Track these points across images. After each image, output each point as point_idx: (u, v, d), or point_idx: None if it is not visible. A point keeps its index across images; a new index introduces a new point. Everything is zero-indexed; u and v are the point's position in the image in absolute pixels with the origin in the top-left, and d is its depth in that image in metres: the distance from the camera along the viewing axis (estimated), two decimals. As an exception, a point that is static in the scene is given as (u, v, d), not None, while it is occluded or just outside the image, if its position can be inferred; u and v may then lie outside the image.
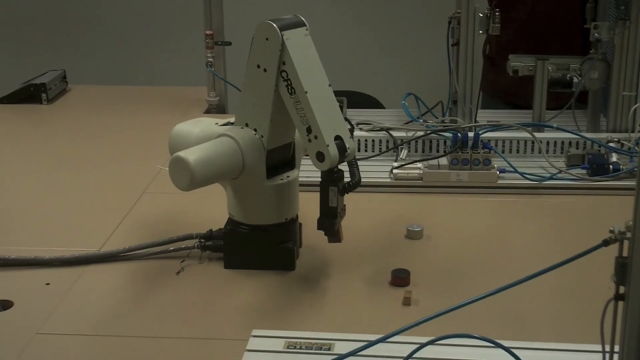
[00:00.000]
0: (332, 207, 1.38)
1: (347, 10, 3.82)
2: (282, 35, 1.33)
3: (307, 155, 1.60)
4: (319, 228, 1.40)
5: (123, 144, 2.19)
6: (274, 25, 1.35)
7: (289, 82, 1.35)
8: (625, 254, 1.02)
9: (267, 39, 1.36)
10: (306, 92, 1.34)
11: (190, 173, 1.32)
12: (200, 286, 1.41)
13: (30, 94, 2.52)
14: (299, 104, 1.34)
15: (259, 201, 1.44)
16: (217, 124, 1.48)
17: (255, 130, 1.40)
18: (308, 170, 1.79)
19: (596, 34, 1.99)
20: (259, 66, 1.38)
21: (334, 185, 1.36)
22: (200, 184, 1.35)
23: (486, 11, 2.00)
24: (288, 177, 1.45)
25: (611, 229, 1.04)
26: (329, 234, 1.41)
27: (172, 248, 1.50)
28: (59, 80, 2.64)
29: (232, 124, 1.45)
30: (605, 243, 1.05)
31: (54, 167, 2.02)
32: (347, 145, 1.36)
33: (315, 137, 1.33)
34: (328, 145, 1.32)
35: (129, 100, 2.59)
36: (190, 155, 1.33)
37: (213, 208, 1.54)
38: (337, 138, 1.34)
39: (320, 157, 1.33)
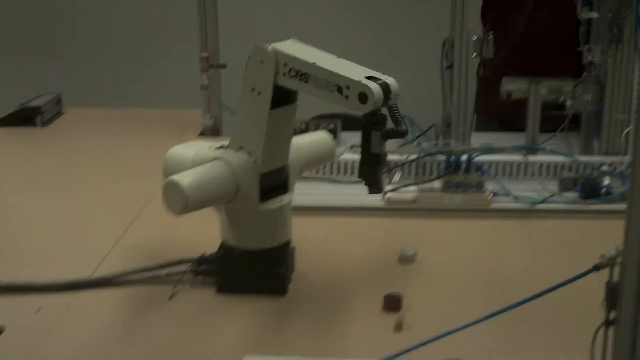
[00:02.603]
0: (375, 154, 1.31)
1: (341, 33, 3.84)
2: (274, 52, 1.34)
3: (300, 180, 1.61)
4: (359, 176, 1.35)
5: (117, 167, 2.19)
6: (269, 48, 1.35)
7: (297, 72, 1.32)
8: (616, 278, 1.02)
9: (261, 62, 1.36)
10: (314, 63, 1.31)
11: (184, 197, 1.31)
12: (192, 311, 1.41)
13: (24, 117, 2.52)
14: (316, 79, 1.30)
15: (252, 225, 1.44)
16: (211, 147, 1.48)
17: (249, 153, 1.41)
18: (301, 194, 1.80)
19: (589, 57, 1.99)
20: (253, 89, 1.38)
21: (377, 130, 1.30)
22: (194, 208, 1.35)
23: (480, 34, 2.01)
24: (281, 200, 1.45)
25: (602, 253, 1.04)
26: (370, 184, 1.35)
27: (164, 273, 1.50)
28: (53, 103, 2.64)
29: (226, 147, 1.45)
30: (596, 268, 1.05)
31: (47, 191, 2.02)
32: (389, 84, 1.29)
33: (348, 87, 1.27)
34: (366, 84, 1.26)
35: (123, 123, 2.59)
36: (184, 179, 1.33)
37: (206, 232, 1.54)
38: (372, 80, 1.28)
39: (362, 98, 1.26)
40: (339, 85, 1.29)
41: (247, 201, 1.41)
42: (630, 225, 0.99)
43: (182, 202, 1.32)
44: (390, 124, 1.34)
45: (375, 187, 1.36)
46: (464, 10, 1.98)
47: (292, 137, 1.47)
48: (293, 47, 1.38)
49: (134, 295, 1.46)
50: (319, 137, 1.64)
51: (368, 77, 1.29)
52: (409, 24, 3.95)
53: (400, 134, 1.32)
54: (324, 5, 4.02)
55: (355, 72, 1.31)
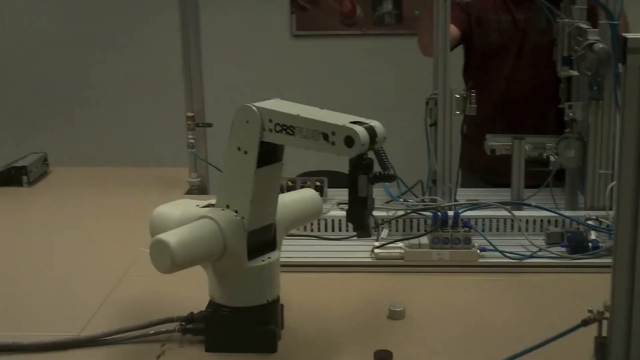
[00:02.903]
0: (362, 197, 1.31)
1: (324, 91, 3.88)
2: (259, 110, 1.35)
3: (288, 236, 1.61)
4: (347, 220, 1.35)
5: (104, 226, 2.18)
6: (254, 107, 1.37)
7: (283, 127, 1.33)
8: (604, 333, 1.02)
9: (247, 122, 1.38)
10: (298, 114, 1.33)
11: (171, 255, 1.31)
12: (181, 370, 1.40)
13: (11, 177, 2.52)
14: (301, 130, 1.32)
15: (240, 283, 1.43)
16: (198, 205, 1.49)
17: (236, 211, 1.41)
18: (289, 251, 1.80)
19: (571, 114, 2.03)
20: (239, 148, 1.39)
21: (364, 174, 1.31)
22: (181, 266, 1.35)
23: (462, 92, 2.04)
24: (269, 258, 1.45)
25: (590, 308, 1.05)
26: (358, 227, 1.35)
27: (152, 332, 1.49)
28: (40, 162, 2.65)
29: (213, 205, 1.45)
30: (585, 323, 1.06)
31: (34, 250, 2.01)
32: (374, 127, 1.30)
33: (334, 133, 1.28)
34: (351, 127, 1.27)
35: (109, 182, 2.59)
36: (171, 237, 1.33)
37: (194, 290, 1.53)
38: (358, 124, 1.29)
39: (349, 142, 1.27)
40: (325, 133, 1.30)
41: (235, 259, 1.41)
42: (616, 280, 1.00)
43: (169, 261, 1.32)
44: (377, 168, 1.35)
45: (363, 230, 1.36)
46: (446, 69, 2.01)
47: (278, 195, 1.48)
48: (277, 104, 1.40)
49: (122, 355, 1.44)
50: (305, 194, 1.65)
51: (353, 122, 1.31)
52: (393, 82, 4.00)
53: (387, 178, 1.33)
54: (304, 65, 4.06)
55: (339, 118, 1.33)
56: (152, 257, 1.34)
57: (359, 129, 1.28)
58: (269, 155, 1.40)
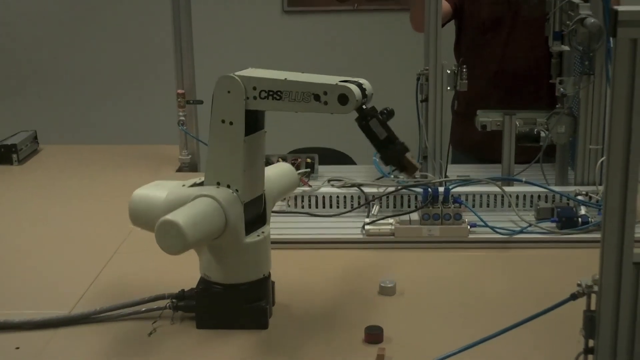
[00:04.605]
0: (386, 138, 1.33)
1: (315, 67, 3.87)
2: (241, 79, 1.35)
3: (278, 213, 1.61)
4: (386, 164, 1.37)
5: (94, 204, 2.18)
6: (235, 77, 1.36)
7: (269, 92, 1.34)
8: (593, 307, 1.03)
9: (229, 92, 1.37)
10: (285, 78, 1.34)
11: (182, 236, 1.28)
12: (172, 347, 1.40)
13: (0, 155, 2.51)
14: (290, 94, 1.33)
15: (236, 259, 1.42)
16: (184, 185, 1.45)
17: (228, 186, 1.40)
18: (280, 228, 1.81)
19: (562, 89, 2.02)
20: (223, 121, 1.38)
21: (373, 118, 1.33)
22: (192, 246, 1.32)
23: (454, 68, 2.04)
24: (263, 232, 1.45)
25: (578, 282, 1.05)
26: (400, 167, 1.36)
27: (143, 309, 1.49)
28: (30, 140, 2.63)
29: (199, 183, 1.44)
30: (573, 297, 1.06)
31: (24, 229, 2.01)
32: (363, 84, 1.33)
33: (326, 93, 1.31)
34: (345, 85, 1.30)
35: (100, 160, 2.58)
36: (180, 218, 1.30)
37: (184, 268, 1.53)
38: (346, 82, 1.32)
39: (343, 99, 1.30)
40: (316, 94, 1.32)
41: (234, 235, 1.39)
42: (605, 254, 1.00)
43: (181, 242, 1.28)
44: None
45: (405, 167, 1.36)
46: (437, 44, 2.01)
47: (264, 163, 1.47)
48: (257, 72, 1.39)
49: (113, 332, 1.45)
50: (283, 167, 1.65)
51: (342, 81, 1.33)
52: (383, 58, 3.99)
53: (390, 114, 1.34)
54: (295, 41, 4.05)
55: (327, 79, 1.34)
56: (159, 239, 1.30)
57: (352, 86, 1.31)
58: (252, 123, 1.40)
